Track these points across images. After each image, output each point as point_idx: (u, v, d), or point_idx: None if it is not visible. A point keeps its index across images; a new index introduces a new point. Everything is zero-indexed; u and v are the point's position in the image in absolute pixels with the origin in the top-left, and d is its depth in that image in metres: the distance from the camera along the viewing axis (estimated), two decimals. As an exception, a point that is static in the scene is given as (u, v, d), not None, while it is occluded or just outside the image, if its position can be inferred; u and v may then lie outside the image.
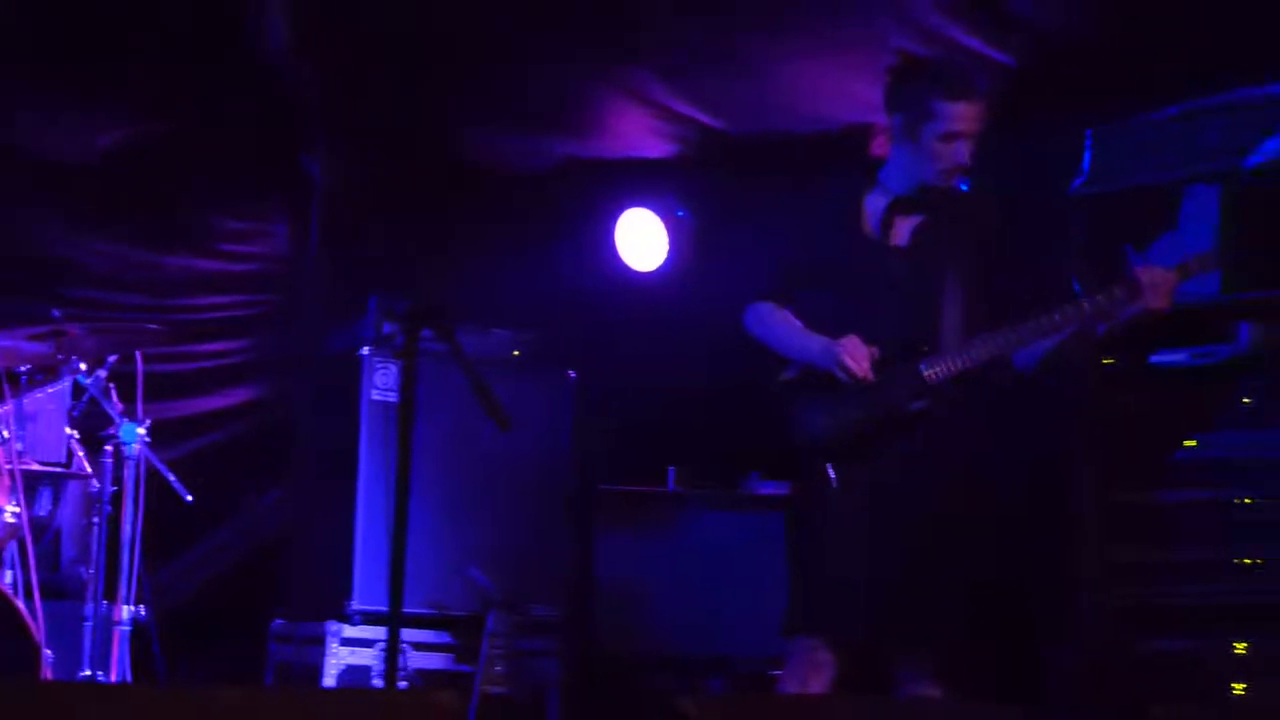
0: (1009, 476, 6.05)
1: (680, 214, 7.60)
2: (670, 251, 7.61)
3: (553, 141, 7.60)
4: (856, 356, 4.98)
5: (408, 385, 3.85)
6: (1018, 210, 5.57)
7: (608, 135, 7.48)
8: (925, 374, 5.00)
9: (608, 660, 6.61)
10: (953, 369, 5.00)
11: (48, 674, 5.75)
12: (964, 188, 5.31)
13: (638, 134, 7.43)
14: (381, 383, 6.44)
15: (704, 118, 7.19)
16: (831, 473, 4.96)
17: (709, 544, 6.68)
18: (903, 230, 5.15)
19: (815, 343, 5.08)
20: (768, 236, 5.54)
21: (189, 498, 6.15)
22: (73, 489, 6.37)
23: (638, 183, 7.64)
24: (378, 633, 6.24)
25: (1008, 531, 5.53)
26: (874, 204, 5.17)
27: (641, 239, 7.67)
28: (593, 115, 7.35)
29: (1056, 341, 5.07)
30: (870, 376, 4.97)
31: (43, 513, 6.36)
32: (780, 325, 5.18)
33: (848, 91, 6.67)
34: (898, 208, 5.14)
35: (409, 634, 6.31)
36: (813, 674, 4.96)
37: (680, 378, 7.22)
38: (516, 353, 6.74)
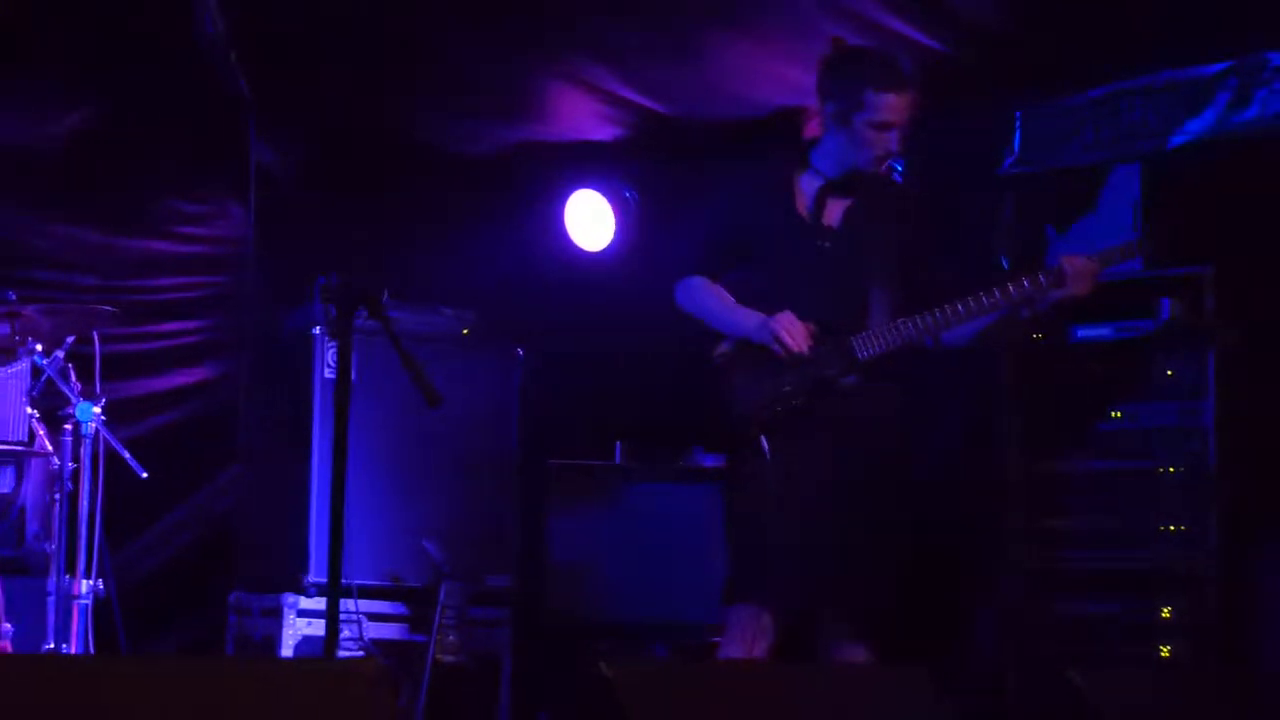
0: (941, 448, 6.24)
1: (627, 195, 7.77)
2: (617, 231, 7.78)
3: (501, 126, 7.74)
4: (792, 331, 5.15)
5: (343, 362, 4.03)
6: (950, 193, 5.76)
7: (555, 120, 7.62)
8: (856, 350, 5.19)
9: (558, 629, 6.80)
10: (883, 346, 5.18)
11: (6, 647, 5.92)
12: (898, 169, 5.50)
13: (585, 118, 7.58)
14: (334, 361, 6.60)
15: (647, 103, 7.34)
16: (765, 444, 5.15)
17: (655, 515, 6.87)
18: (834, 212, 5.32)
19: (750, 318, 5.25)
20: (703, 214, 5.74)
21: (144, 474, 6.25)
22: (35, 466, 6.47)
23: (586, 165, 7.80)
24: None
25: (937, 502, 5.73)
26: (808, 185, 5.33)
27: (589, 219, 7.85)
28: (540, 101, 7.49)
29: (984, 323, 5.28)
30: (805, 350, 5.16)
31: (6, 490, 6.46)
32: (712, 299, 5.35)
33: (781, 75, 6.84)
34: (830, 190, 5.32)
35: (365, 605, 6.48)
36: (753, 641, 5.14)
37: (626, 354, 7.39)
38: (466, 330, 6.91)
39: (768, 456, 5.13)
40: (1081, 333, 6.07)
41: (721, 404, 5.26)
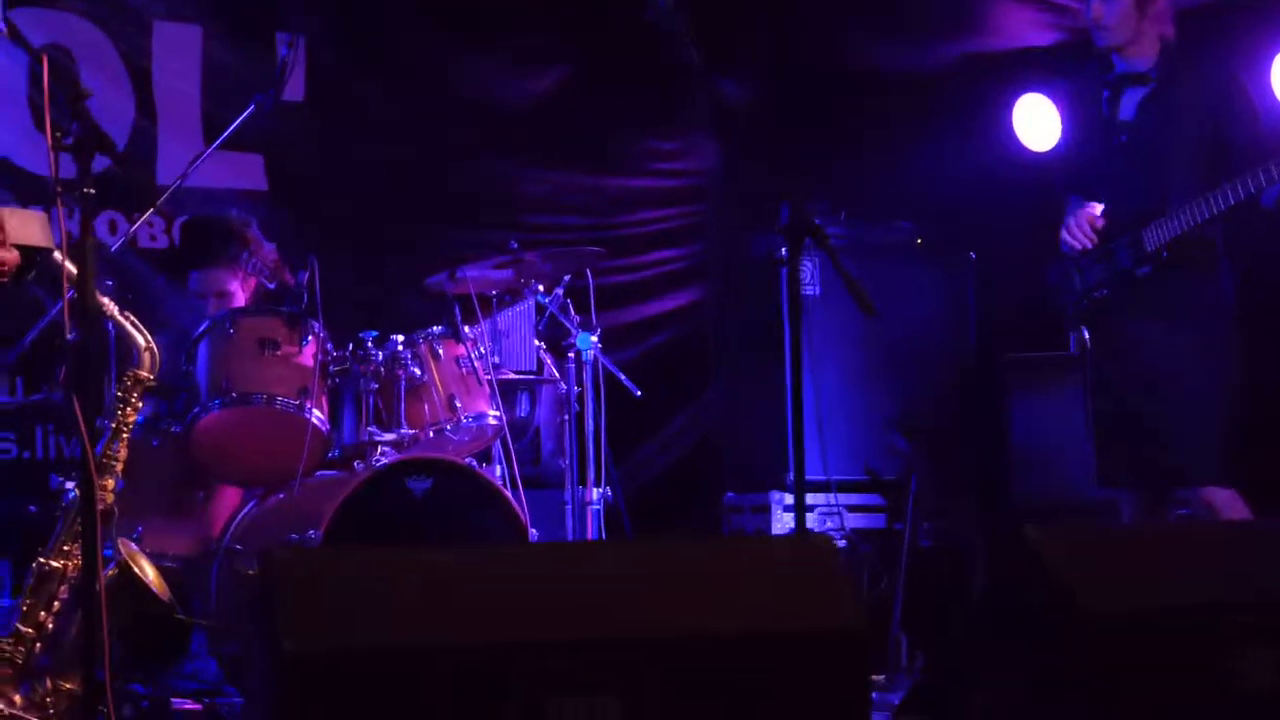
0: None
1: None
2: (1064, 130, 8.07)
3: (945, 42, 8.14)
4: (1073, 229, 5.56)
5: (793, 286, 4.58)
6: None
7: (996, 30, 7.98)
8: (1145, 240, 5.46)
9: (1024, 510, 7.23)
10: (1169, 233, 5.41)
11: (536, 549, 6.72)
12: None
13: (1024, 26, 7.92)
14: (800, 278, 7.18)
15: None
16: (1086, 336, 5.53)
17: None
18: (1129, 104, 5.62)
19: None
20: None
21: (638, 393, 6.97)
22: (546, 392, 7.19)
23: (1029, 70, 8.11)
24: (816, 499, 7.01)
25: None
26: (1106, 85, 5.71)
27: (1037, 122, 8.15)
28: (980, 14, 7.88)
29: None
30: (1087, 244, 5.51)
31: (523, 414, 7.20)
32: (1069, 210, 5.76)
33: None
34: (1124, 83, 5.62)
35: (844, 498, 7.06)
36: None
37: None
38: (920, 240, 7.40)
39: (1089, 347, 5.52)
40: None
41: (1050, 301, 5.68)
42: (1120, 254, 5.53)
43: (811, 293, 7.15)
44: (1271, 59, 6.64)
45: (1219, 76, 5.64)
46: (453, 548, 4.25)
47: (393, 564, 3.39)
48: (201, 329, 6.03)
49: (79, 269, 3.73)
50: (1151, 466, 5.58)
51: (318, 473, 6.11)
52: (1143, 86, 5.61)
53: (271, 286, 6.47)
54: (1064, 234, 5.67)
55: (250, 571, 5.22)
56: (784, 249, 7.03)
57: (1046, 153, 8.09)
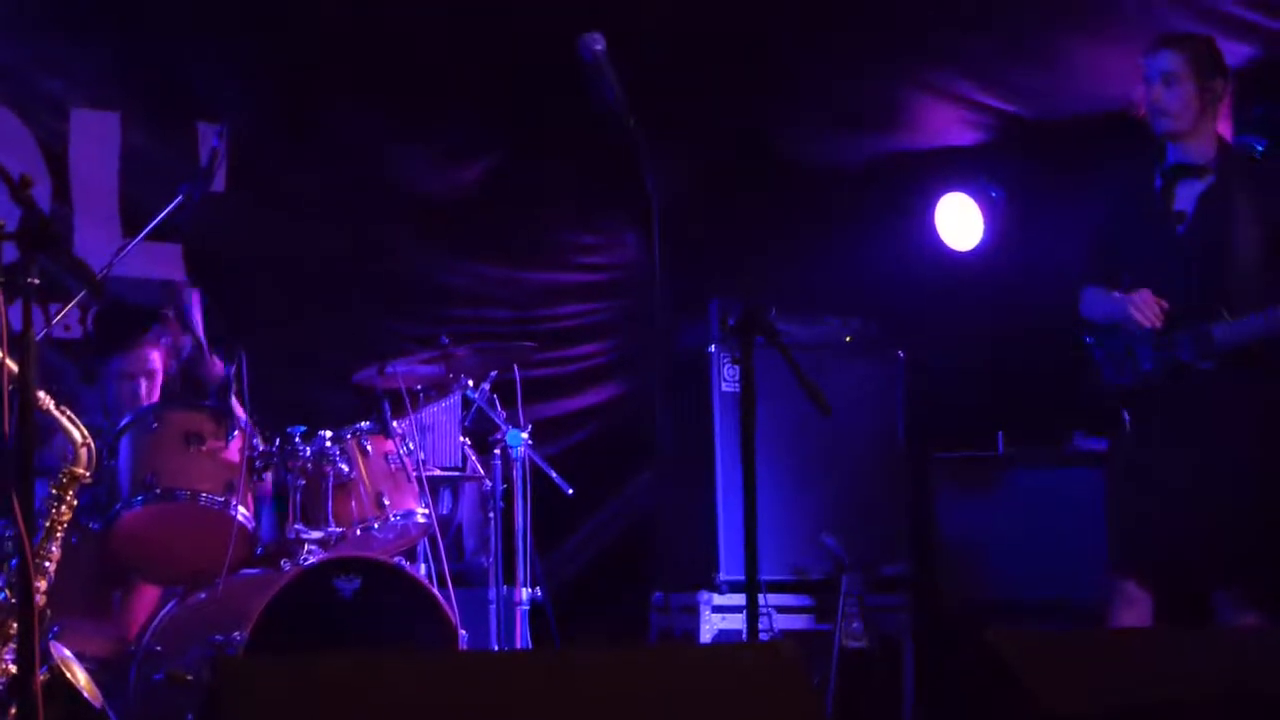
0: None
1: (994, 194, 8.09)
2: (986, 230, 8.11)
3: (871, 139, 8.17)
4: (1143, 307, 5.48)
5: (747, 386, 4.48)
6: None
7: (920, 129, 8.01)
8: (1216, 337, 5.44)
9: (954, 611, 7.18)
10: (1246, 334, 5.36)
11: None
12: (1260, 149, 5.73)
13: (948, 125, 7.95)
14: (729, 375, 7.12)
15: (1007, 107, 7.67)
16: (1126, 420, 5.49)
17: (1039, 499, 7.13)
18: (1185, 196, 5.60)
19: (1116, 302, 5.60)
20: (1076, 215, 6.08)
21: (570, 491, 6.89)
22: (469, 489, 7.13)
23: (952, 169, 8.15)
24: (743, 599, 6.90)
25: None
26: (1160, 174, 5.65)
27: (959, 221, 8.19)
28: (905, 113, 7.90)
29: None
30: (1158, 324, 5.47)
31: (445, 511, 7.13)
32: (1101, 299, 5.70)
33: (1129, 70, 7.09)
34: (1179, 174, 5.61)
35: (773, 598, 6.94)
36: (1126, 610, 5.48)
37: (1003, 346, 7.71)
38: (849, 338, 7.36)
39: (1128, 431, 5.48)
40: None
41: (1088, 384, 5.63)
42: (1181, 345, 5.46)
43: (736, 389, 7.08)
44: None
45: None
46: (408, 656, 4.12)
47: (347, 673, 3.26)
48: (124, 423, 5.87)
49: (20, 365, 3.59)
50: (1174, 565, 5.48)
51: (242, 571, 5.95)
52: (1199, 179, 5.54)
53: (173, 372, 6.39)
54: (1132, 311, 5.52)
55: (188, 676, 5.07)
56: (713, 345, 7.15)
57: (969, 251, 8.15)
